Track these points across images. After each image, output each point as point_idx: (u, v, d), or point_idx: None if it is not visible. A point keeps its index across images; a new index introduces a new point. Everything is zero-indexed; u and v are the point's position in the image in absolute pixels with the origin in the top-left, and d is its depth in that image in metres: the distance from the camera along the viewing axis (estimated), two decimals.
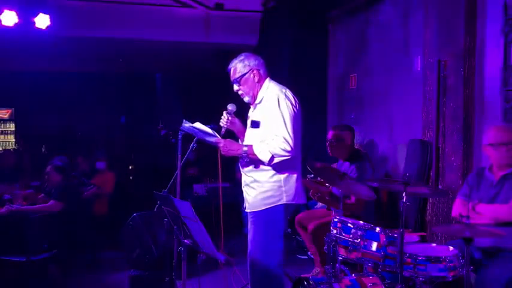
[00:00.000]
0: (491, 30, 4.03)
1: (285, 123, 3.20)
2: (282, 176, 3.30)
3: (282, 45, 6.71)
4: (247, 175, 3.41)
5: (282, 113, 3.22)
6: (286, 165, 3.28)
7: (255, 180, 3.36)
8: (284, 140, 3.17)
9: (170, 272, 3.38)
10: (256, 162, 3.30)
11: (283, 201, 3.32)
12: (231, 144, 3.33)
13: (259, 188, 3.34)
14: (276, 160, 3.21)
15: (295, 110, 3.28)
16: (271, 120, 3.25)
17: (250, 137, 3.40)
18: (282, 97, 3.27)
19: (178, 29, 7.53)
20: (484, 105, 4.12)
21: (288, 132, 3.18)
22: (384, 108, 5.53)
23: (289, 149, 3.17)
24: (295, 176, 3.35)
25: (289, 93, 3.33)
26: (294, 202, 3.38)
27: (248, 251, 3.39)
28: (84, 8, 7.00)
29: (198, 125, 3.40)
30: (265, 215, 3.32)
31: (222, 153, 3.34)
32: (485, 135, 3.48)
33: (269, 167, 3.27)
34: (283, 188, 3.31)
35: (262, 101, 3.36)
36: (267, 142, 3.23)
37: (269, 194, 3.31)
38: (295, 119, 3.25)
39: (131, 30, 7.31)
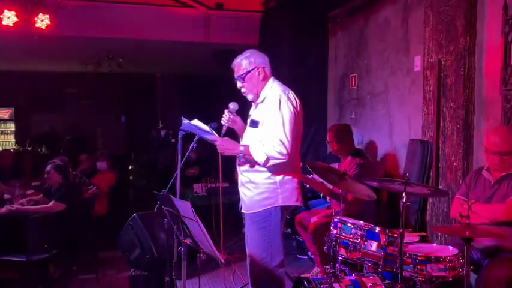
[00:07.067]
0: (491, 30, 4.03)
1: (284, 126, 3.13)
2: (278, 178, 3.24)
3: (282, 45, 6.71)
4: (243, 175, 3.36)
5: (282, 115, 3.15)
6: (282, 167, 3.21)
7: (251, 181, 3.30)
8: (280, 143, 3.10)
9: (170, 272, 3.37)
10: (252, 163, 3.24)
11: (279, 203, 3.25)
12: (227, 143, 3.25)
13: (255, 190, 3.28)
14: (271, 163, 3.15)
15: (295, 112, 3.21)
16: (270, 121, 3.18)
17: (249, 136, 3.35)
18: (284, 98, 3.19)
19: (178, 29, 7.54)
20: (484, 105, 4.12)
21: (286, 135, 3.11)
22: (384, 108, 5.52)
23: (285, 152, 3.10)
24: (291, 178, 3.28)
25: (291, 95, 3.25)
26: (290, 204, 3.31)
27: (247, 252, 3.34)
28: (84, 8, 7.01)
29: (196, 122, 3.33)
30: (261, 217, 3.26)
31: (219, 151, 3.28)
32: (486, 137, 3.48)
33: (265, 168, 3.21)
34: (279, 190, 3.24)
35: (265, 100, 3.29)
36: (263, 143, 3.17)
37: (265, 195, 3.25)
38: (295, 122, 3.19)
39: (131, 30, 7.32)
